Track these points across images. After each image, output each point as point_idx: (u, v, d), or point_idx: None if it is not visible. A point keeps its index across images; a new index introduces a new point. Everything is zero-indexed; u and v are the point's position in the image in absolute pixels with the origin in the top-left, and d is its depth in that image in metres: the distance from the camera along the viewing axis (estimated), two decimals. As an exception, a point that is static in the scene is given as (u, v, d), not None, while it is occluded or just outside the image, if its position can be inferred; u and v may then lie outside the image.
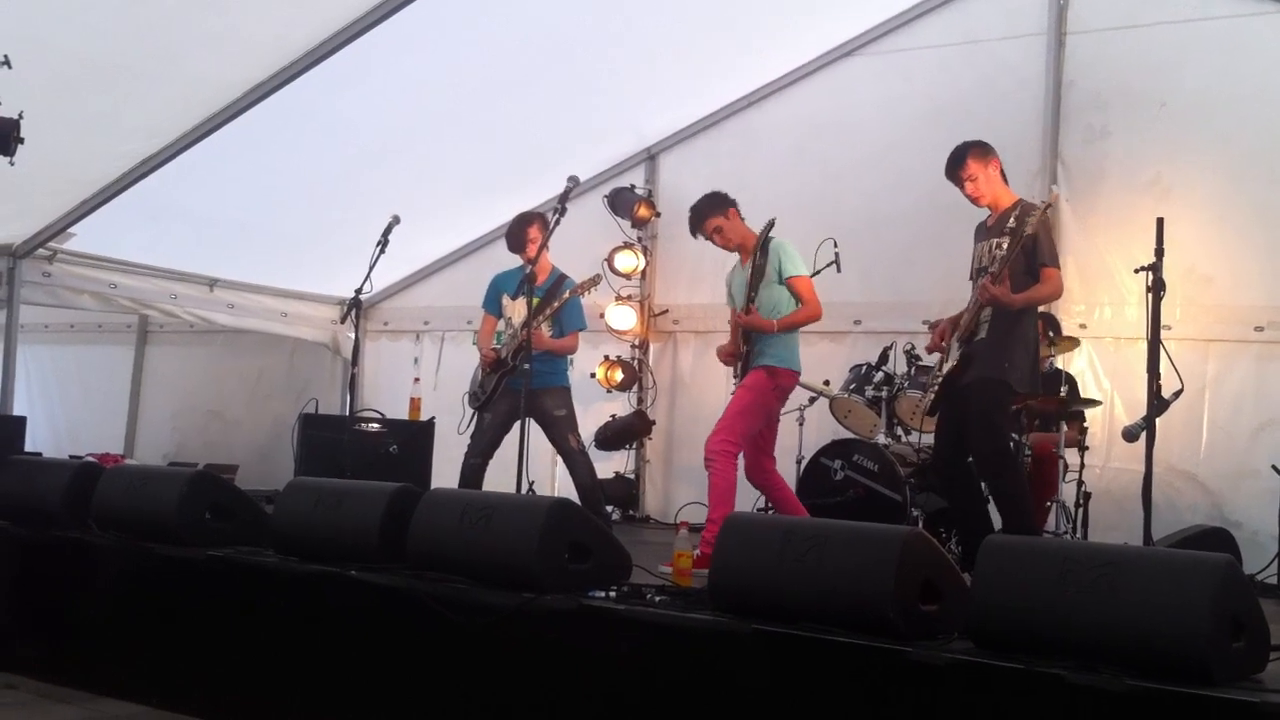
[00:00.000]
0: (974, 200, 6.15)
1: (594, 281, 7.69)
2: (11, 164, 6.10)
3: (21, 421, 8.00)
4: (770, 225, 6.69)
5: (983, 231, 6.19)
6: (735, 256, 6.99)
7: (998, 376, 5.88)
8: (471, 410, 7.73)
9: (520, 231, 7.58)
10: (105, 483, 6.20)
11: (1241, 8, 7.94)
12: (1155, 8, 8.21)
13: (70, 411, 12.92)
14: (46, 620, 6.12)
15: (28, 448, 7.94)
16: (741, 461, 6.63)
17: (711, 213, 6.88)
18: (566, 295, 7.48)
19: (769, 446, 6.83)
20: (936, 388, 6.18)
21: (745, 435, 6.55)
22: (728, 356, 6.89)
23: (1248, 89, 7.92)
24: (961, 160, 6.12)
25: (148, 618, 5.76)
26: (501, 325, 7.72)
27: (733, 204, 6.91)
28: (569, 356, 7.70)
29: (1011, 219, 5.90)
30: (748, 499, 7.45)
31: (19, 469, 6.67)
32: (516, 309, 7.44)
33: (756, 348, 6.64)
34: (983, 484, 6.15)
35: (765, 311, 6.61)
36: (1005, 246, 5.86)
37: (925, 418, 6.47)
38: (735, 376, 6.85)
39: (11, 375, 9.14)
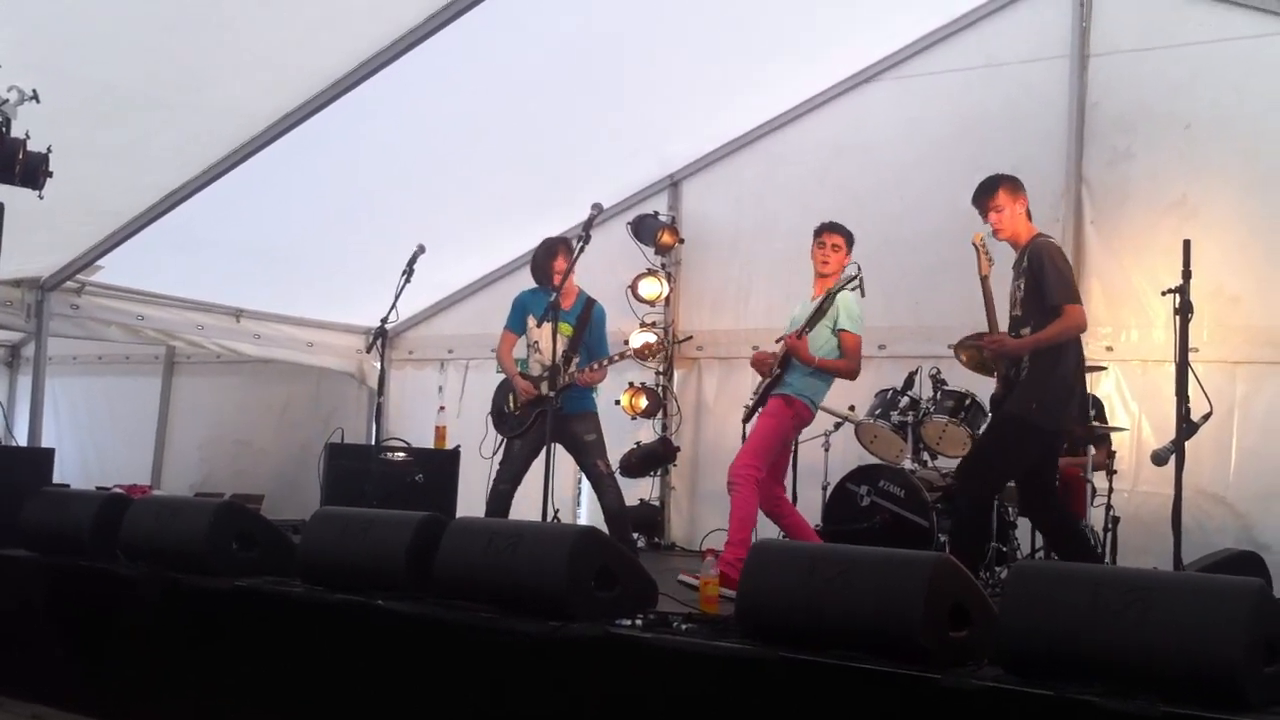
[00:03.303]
0: (995, 231, 6.17)
1: (658, 347, 7.94)
2: (40, 198, 6.14)
3: (50, 453, 8.04)
4: (851, 278, 6.83)
5: (1014, 272, 6.22)
6: (807, 293, 7.15)
7: (1022, 415, 5.93)
8: (497, 432, 7.72)
9: (546, 263, 7.56)
10: (133, 513, 6.23)
11: (1263, 27, 7.90)
12: (1177, 28, 8.18)
13: (98, 442, 12.99)
14: (74, 650, 6.14)
15: (56, 479, 7.98)
16: None
17: (848, 239, 7.02)
18: (617, 358, 7.49)
19: (779, 476, 7.03)
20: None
21: (767, 460, 6.74)
22: (760, 361, 7.02)
23: (1269, 107, 7.88)
24: (994, 189, 6.14)
25: (175, 648, 5.77)
26: (522, 351, 7.70)
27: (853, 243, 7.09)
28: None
29: (1025, 259, 6.02)
30: (770, 529, 7.44)
31: (48, 500, 6.71)
32: (543, 334, 7.41)
33: (785, 377, 6.78)
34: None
35: (811, 348, 6.77)
36: (1023, 288, 5.99)
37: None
38: (753, 394, 7.03)
39: (40, 407, 9.20)
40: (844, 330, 6.79)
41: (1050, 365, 5.90)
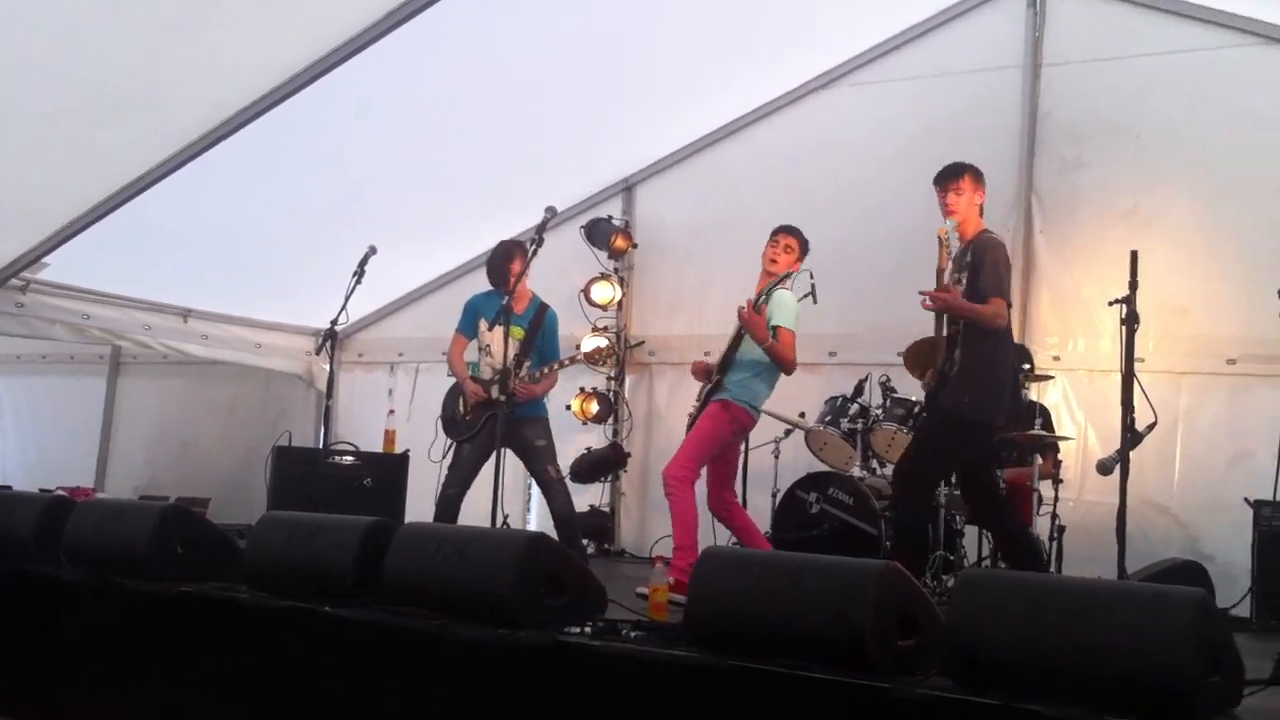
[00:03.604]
0: (948, 210, 6.14)
1: (608, 352, 7.89)
2: (-16, 194, 6.07)
3: (-9, 454, 7.93)
4: (785, 277, 6.88)
5: (954, 264, 6.20)
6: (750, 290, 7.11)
7: (955, 409, 5.94)
8: (446, 436, 7.67)
9: (503, 266, 7.45)
10: (76, 517, 6.13)
11: (1214, 40, 8.02)
12: (1130, 40, 8.29)
13: (41, 443, 12.82)
14: (15, 655, 6.04)
15: (-2, 480, 7.87)
16: (703, 493, 6.84)
17: (802, 244, 7.04)
18: (566, 363, 7.49)
19: (728, 479, 7.02)
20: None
21: (701, 463, 6.73)
22: (700, 370, 7.10)
23: (1221, 121, 8.00)
24: (960, 173, 6.18)
25: (118, 653, 5.69)
26: (474, 354, 7.66)
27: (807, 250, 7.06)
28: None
29: (969, 253, 6.03)
30: (719, 533, 7.43)
31: (-11, 502, 6.60)
32: (494, 338, 7.38)
33: (723, 381, 6.83)
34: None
35: (748, 346, 6.82)
36: (964, 282, 5.99)
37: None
38: (696, 400, 7.04)
39: (-18, 407, 9.08)
40: (779, 326, 6.75)
41: (983, 360, 5.93)
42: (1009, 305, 6.06)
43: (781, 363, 6.82)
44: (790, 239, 6.98)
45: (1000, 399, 6.02)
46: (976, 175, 6.21)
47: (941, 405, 6.02)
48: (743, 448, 7.39)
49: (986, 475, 6.33)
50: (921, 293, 5.95)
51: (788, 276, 6.87)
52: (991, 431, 6.22)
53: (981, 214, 6.24)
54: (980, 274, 5.93)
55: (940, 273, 6.04)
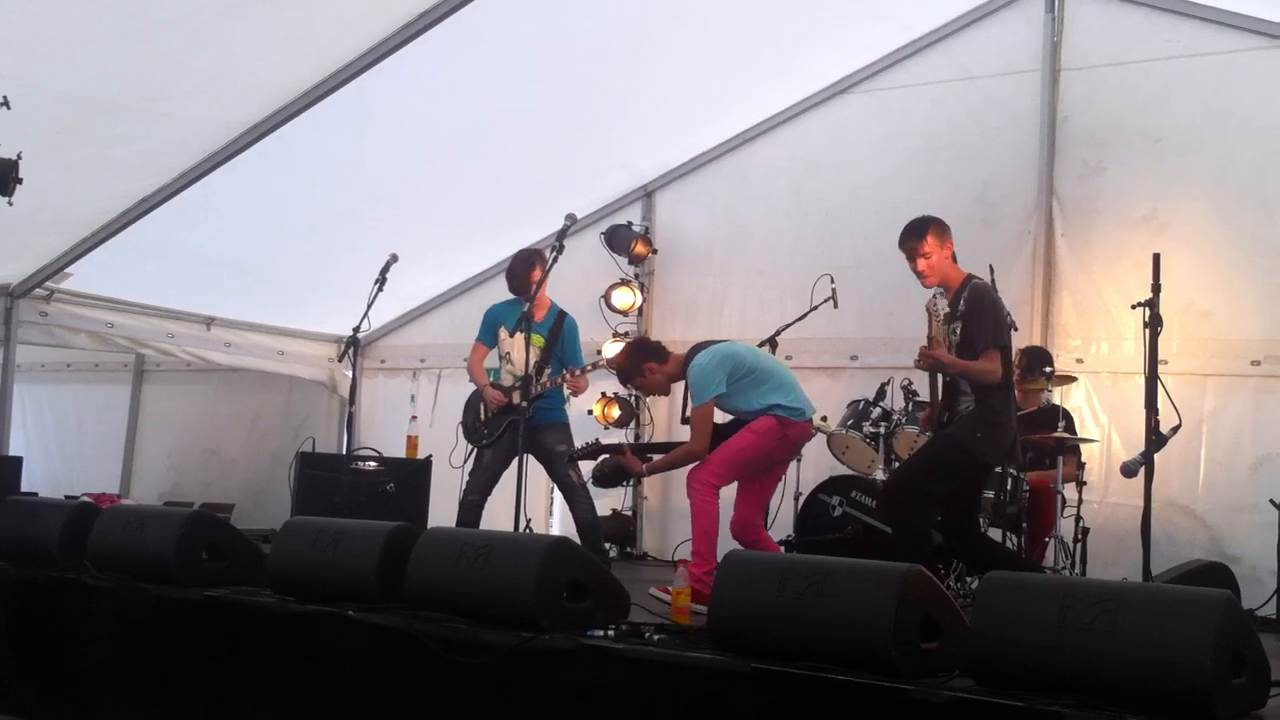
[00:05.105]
0: (922, 276, 5.96)
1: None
2: (10, 204, 6.11)
3: (18, 462, 7.98)
4: (693, 350, 6.68)
5: (946, 316, 5.87)
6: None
7: (963, 438, 5.83)
8: (467, 442, 7.71)
9: (525, 274, 7.50)
10: (102, 523, 6.18)
11: (1232, 43, 7.98)
12: (1148, 44, 8.26)
13: (67, 451, 12.90)
14: (42, 661, 6.09)
15: (24, 487, 7.92)
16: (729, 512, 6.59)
17: (630, 374, 6.86)
18: (590, 368, 7.51)
19: (764, 501, 6.79)
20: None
21: (733, 474, 6.49)
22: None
23: (1239, 123, 7.96)
24: (923, 233, 5.93)
25: (143, 659, 5.73)
26: (494, 360, 7.69)
27: (652, 358, 6.78)
28: (566, 392, 7.65)
29: (959, 303, 5.85)
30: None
31: (15, 510, 6.65)
32: (515, 345, 7.41)
33: (770, 399, 6.53)
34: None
35: None
36: (959, 332, 5.81)
37: None
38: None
39: (8, 415, 9.13)
40: (693, 409, 6.55)
41: (996, 408, 5.83)
42: (1006, 349, 5.87)
43: (685, 458, 6.54)
44: (632, 381, 6.90)
45: (1004, 444, 5.93)
46: (939, 228, 5.97)
47: (949, 432, 5.91)
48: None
49: (972, 505, 6.24)
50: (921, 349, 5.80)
51: (693, 351, 6.66)
52: (986, 471, 6.19)
53: (955, 259, 6.03)
54: (974, 324, 5.78)
55: (932, 340, 5.79)
